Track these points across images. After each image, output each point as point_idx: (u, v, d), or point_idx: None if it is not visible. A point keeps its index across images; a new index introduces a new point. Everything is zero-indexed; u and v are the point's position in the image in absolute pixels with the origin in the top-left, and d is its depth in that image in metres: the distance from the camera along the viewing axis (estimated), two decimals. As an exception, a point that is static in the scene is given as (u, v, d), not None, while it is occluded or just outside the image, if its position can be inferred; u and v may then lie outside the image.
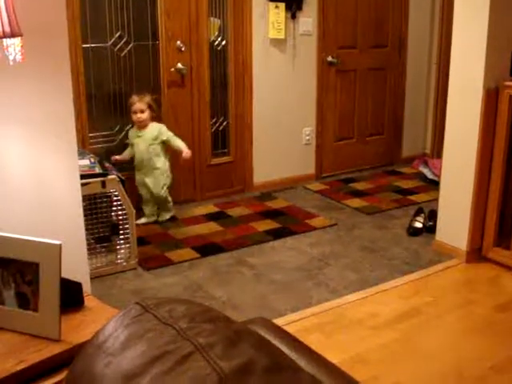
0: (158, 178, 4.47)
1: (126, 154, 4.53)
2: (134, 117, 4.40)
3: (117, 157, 4.48)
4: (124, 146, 4.64)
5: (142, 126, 4.44)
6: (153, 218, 4.58)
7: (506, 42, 3.70)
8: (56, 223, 2.42)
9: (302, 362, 1.32)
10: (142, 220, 4.53)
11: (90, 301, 1.84)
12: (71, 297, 1.76)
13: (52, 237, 1.66)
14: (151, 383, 0.92)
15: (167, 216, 4.59)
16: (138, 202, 4.44)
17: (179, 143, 4.52)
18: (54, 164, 2.40)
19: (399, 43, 5.91)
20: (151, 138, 4.44)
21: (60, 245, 1.60)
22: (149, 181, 4.46)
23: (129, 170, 4.54)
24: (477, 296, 3.53)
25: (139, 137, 4.44)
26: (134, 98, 4.42)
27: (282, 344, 1.41)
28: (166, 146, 4.50)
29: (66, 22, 2.37)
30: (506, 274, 3.76)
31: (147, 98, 4.43)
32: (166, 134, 4.49)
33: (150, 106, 4.42)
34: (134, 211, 3.77)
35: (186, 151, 4.50)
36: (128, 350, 1.00)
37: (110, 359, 1.01)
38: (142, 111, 4.39)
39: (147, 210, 4.56)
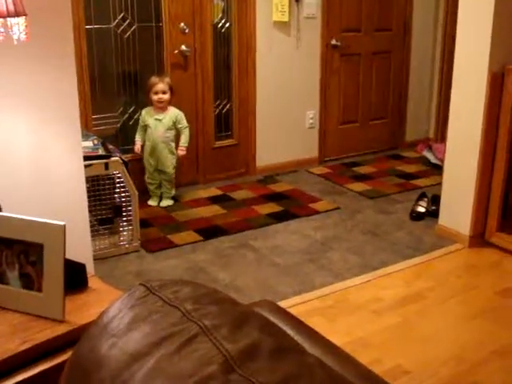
0: (171, 161, 4.52)
1: (139, 140, 4.50)
2: (155, 97, 4.37)
3: (138, 148, 4.48)
4: (126, 128, 4.63)
5: (162, 107, 4.43)
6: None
7: (513, 26, 3.68)
8: (59, 204, 2.42)
9: (307, 345, 1.32)
10: (154, 202, 4.58)
11: (93, 282, 1.84)
12: (75, 278, 1.76)
13: (55, 218, 1.66)
14: (156, 365, 0.92)
15: (170, 202, 4.59)
16: (142, 183, 4.43)
17: (184, 138, 4.53)
18: (58, 145, 2.40)
19: (404, 26, 5.87)
20: (170, 123, 4.45)
21: (64, 225, 1.59)
22: (162, 165, 4.49)
23: (132, 151, 4.54)
24: (479, 281, 3.53)
25: (158, 120, 4.43)
26: (155, 78, 4.40)
27: (287, 326, 1.41)
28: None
29: (70, 1, 2.35)
30: (508, 259, 3.76)
31: (168, 79, 4.47)
32: (183, 122, 4.52)
33: (170, 88, 4.42)
34: (137, 193, 3.76)
35: (183, 151, 4.54)
36: (133, 332, 1.00)
37: (114, 340, 1.01)
38: (164, 92, 4.38)
39: (156, 192, 4.60)
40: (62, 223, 1.60)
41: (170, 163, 4.50)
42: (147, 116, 4.45)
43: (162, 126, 4.43)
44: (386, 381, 1.26)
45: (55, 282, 1.61)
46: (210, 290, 1.09)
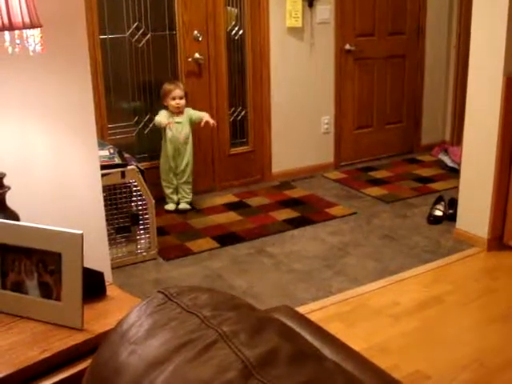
0: (190, 160, 4.57)
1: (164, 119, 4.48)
2: (173, 103, 4.43)
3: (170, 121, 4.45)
4: (142, 137, 4.64)
5: (179, 112, 4.48)
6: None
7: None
8: (77, 213, 2.43)
9: (326, 350, 1.32)
10: (172, 207, 4.61)
11: (111, 290, 1.84)
12: (93, 286, 1.76)
13: (73, 227, 1.67)
14: (175, 371, 0.92)
15: (188, 207, 4.60)
16: (158, 191, 4.44)
17: (199, 114, 4.57)
18: (75, 155, 2.41)
19: (417, 30, 5.86)
20: (188, 123, 4.52)
21: (82, 234, 1.60)
22: (184, 164, 4.53)
23: (148, 160, 4.56)
24: (498, 284, 3.50)
25: (179, 123, 4.48)
26: (170, 85, 4.47)
27: (305, 332, 1.41)
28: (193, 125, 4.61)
29: (85, 12, 2.37)
30: (527, 262, 3.73)
31: (182, 85, 4.54)
32: (191, 111, 4.57)
33: (185, 93, 4.50)
34: (154, 201, 3.77)
35: (211, 121, 4.55)
36: (152, 339, 1.00)
37: (133, 348, 1.01)
38: (181, 97, 4.45)
39: (173, 196, 4.62)
40: (79, 232, 1.60)
41: (191, 163, 4.57)
42: (169, 118, 4.47)
43: (182, 127, 4.48)
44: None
45: (74, 291, 1.62)
46: (228, 296, 1.09)
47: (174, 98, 4.42)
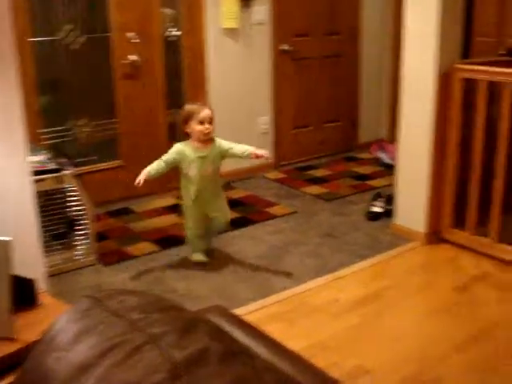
0: (225, 206, 3.76)
1: (152, 172, 3.55)
2: (200, 128, 3.45)
3: (142, 179, 3.45)
4: (77, 141, 4.56)
5: (206, 140, 3.52)
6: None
7: (457, 26, 3.75)
8: (7, 221, 2.37)
9: (262, 350, 1.31)
10: (200, 257, 3.80)
11: (44, 298, 1.80)
12: (24, 294, 1.72)
13: (3, 234, 1.62)
14: (103, 375, 0.91)
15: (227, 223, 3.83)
16: (99, 196, 4.37)
17: (246, 148, 3.55)
18: (2, 160, 2.35)
19: (353, 30, 5.93)
20: (217, 157, 3.57)
21: (9, 241, 1.56)
22: (217, 214, 3.70)
23: (86, 164, 4.49)
24: (436, 277, 3.57)
25: (202, 158, 3.52)
26: (193, 106, 3.57)
27: (238, 332, 1.40)
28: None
29: (10, 14, 2.31)
30: (463, 255, 3.81)
31: (208, 105, 3.77)
32: (225, 143, 3.58)
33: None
34: (92, 206, 3.71)
35: (261, 153, 3.51)
36: (79, 344, 0.99)
37: (60, 354, 1.00)
38: (211, 120, 3.50)
39: (201, 244, 3.83)
40: (6, 239, 1.56)
41: (227, 211, 3.75)
42: (188, 153, 3.52)
43: (209, 163, 3.53)
44: (337, 379, 1.26)
45: (2, 300, 1.57)
46: (157, 298, 1.08)
47: (201, 122, 3.45)
